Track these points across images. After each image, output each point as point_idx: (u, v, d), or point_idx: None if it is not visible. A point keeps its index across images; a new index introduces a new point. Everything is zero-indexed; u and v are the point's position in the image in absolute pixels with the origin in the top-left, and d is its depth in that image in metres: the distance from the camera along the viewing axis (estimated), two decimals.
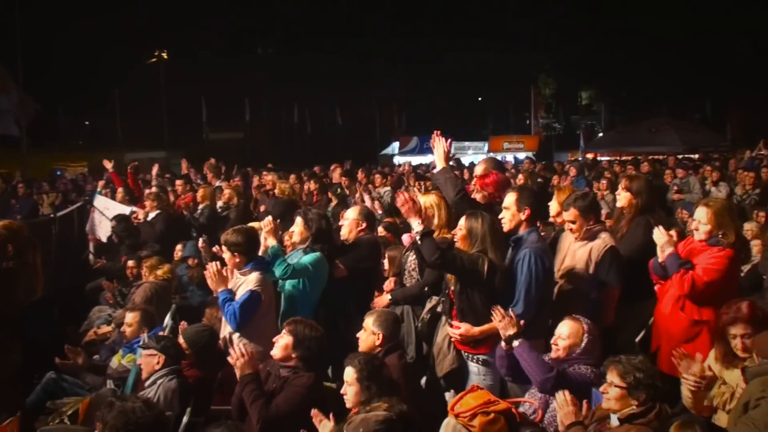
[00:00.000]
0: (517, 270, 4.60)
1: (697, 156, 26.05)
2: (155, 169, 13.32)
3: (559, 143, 41.65)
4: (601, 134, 39.07)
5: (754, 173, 12.71)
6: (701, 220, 4.86)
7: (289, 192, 10.18)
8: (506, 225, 4.80)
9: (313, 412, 3.95)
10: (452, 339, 4.85)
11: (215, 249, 6.22)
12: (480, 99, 54.96)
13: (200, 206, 10.02)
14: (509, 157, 37.93)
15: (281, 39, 51.07)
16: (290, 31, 50.15)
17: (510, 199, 4.85)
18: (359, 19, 50.97)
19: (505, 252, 4.74)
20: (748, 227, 8.81)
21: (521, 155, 38.01)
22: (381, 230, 7.83)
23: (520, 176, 11.16)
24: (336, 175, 13.43)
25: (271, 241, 5.57)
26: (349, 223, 5.89)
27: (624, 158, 31.15)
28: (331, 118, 42.90)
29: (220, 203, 10.31)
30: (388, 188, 12.03)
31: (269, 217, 5.80)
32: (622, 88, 52.20)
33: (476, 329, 4.64)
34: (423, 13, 51.43)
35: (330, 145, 36.43)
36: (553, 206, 5.78)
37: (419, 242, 4.58)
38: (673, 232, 5.03)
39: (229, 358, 4.44)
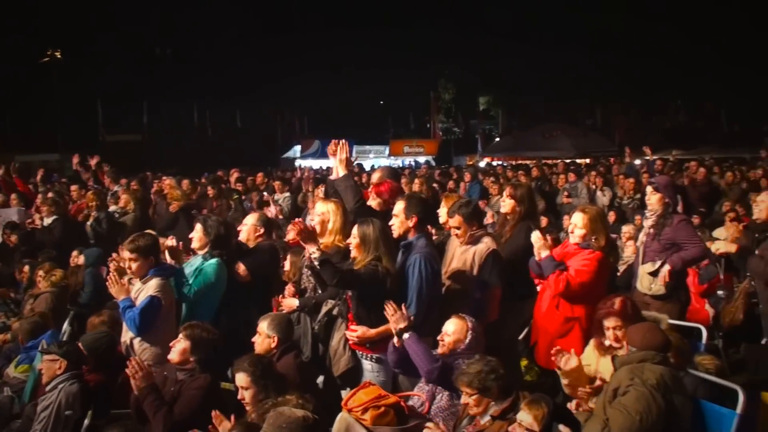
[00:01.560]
0: (408, 274, 4.88)
1: (588, 161, 27.24)
2: (40, 174, 13.06)
3: (458, 147, 42.50)
4: (498, 139, 40.18)
5: (634, 179, 13.55)
6: (577, 225, 5.27)
7: (182, 198, 10.14)
8: (396, 231, 5.08)
9: (214, 413, 4.13)
10: (348, 340, 5.10)
11: (113, 257, 6.21)
12: (382, 103, 55.55)
13: (93, 213, 9.83)
14: (409, 161, 38.62)
15: (180, 40, 50.10)
16: (189, 32, 49.24)
17: (399, 206, 5.13)
18: (260, 21, 50.73)
19: (396, 256, 5.01)
20: (626, 229, 9.47)
21: (422, 159, 38.75)
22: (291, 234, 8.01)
23: (416, 181, 11.50)
24: (233, 179, 13.51)
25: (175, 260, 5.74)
26: (247, 229, 6.05)
27: (520, 162, 32.28)
28: (231, 120, 42.49)
29: (114, 208, 10.24)
30: (288, 194, 12.13)
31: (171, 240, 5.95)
32: (519, 95, 53.71)
33: (372, 331, 4.89)
34: (325, 17, 51.68)
35: (231, 148, 36.00)
36: (442, 213, 6.13)
37: (318, 268, 4.77)
38: (548, 237, 5.43)
39: (127, 370, 4.54)
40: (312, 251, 4.74)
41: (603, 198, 13.52)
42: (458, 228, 5.36)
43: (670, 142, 38.64)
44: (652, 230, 6.10)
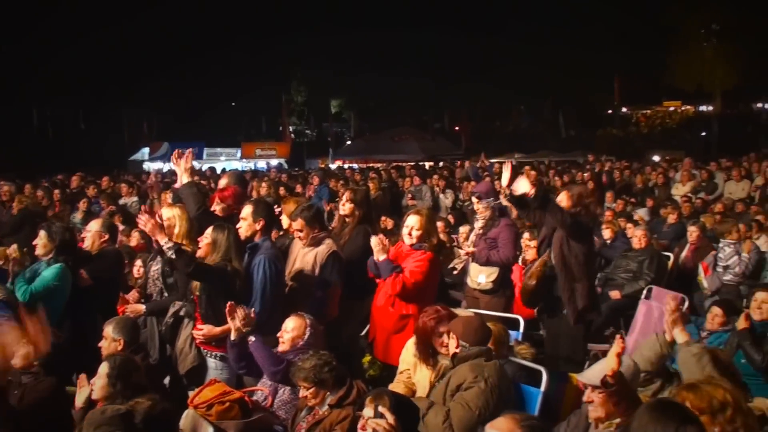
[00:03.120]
0: (254, 274, 5.12)
1: (429, 164, 28.32)
2: None
3: (311, 150, 42.81)
4: (349, 142, 40.80)
5: (475, 182, 14.33)
6: (414, 227, 5.59)
7: (28, 203, 9.85)
8: (243, 233, 5.33)
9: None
10: (195, 339, 5.28)
11: None
12: (233, 104, 54.85)
13: None
14: (261, 164, 38.48)
15: (18, 35, 47.36)
16: (29, 28, 46.63)
17: (247, 210, 5.39)
18: (106, 19, 48.72)
19: (243, 258, 5.26)
20: (463, 230, 10.08)
21: (274, 161, 38.72)
22: (135, 238, 8.03)
23: (264, 184, 11.70)
24: (75, 183, 13.19)
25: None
26: (92, 235, 6.06)
27: (371, 165, 32.99)
28: (74, 122, 40.72)
29: None
30: (135, 198, 12.00)
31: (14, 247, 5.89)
32: (369, 99, 54.63)
33: (218, 329, 5.09)
34: (177, 18, 50.30)
35: (74, 150, 34.52)
36: (284, 218, 6.42)
37: (173, 257, 4.94)
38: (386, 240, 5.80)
39: None
40: (164, 242, 4.91)
41: (446, 200, 14.25)
42: (300, 230, 5.65)
43: (512, 146, 40.76)
44: (481, 231, 6.67)
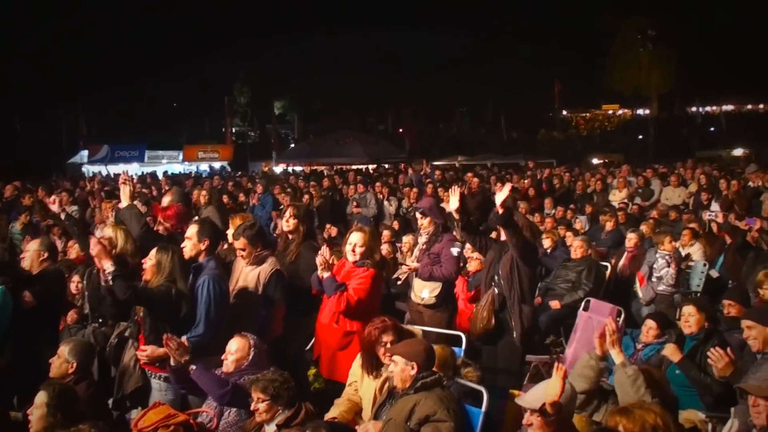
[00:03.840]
0: (198, 294, 5.12)
1: (373, 167, 28.45)
2: None
3: (254, 152, 42.41)
4: (293, 145, 40.56)
5: (417, 189, 14.54)
6: (357, 243, 5.70)
7: None
8: (188, 253, 5.33)
9: None
10: (138, 360, 5.26)
11: None
12: (175, 105, 54.14)
13: None
14: (204, 166, 38.06)
15: None
16: None
17: (192, 230, 5.39)
18: (42, 18, 47.58)
19: (188, 279, 5.25)
20: (406, 240, 10.18)
21: (217, 164, 38.34)
22: (75, 250, 7.89)
23: (204, 192, 11.67)
24: (8, 193, 12.90)
25: None
26: (30, 255, 5.95)
27: (315, 168, 32.96)
28: (9, 123, 39.66)
29: None
30: (75, 208, 11.77)
31: None
32: (314, 100, 54.60)
33: (161, 350, 5.04)
34: (116, 17, 49.39)
35: (8, 154, 33.58)
36: (230, 233, 6.44)
37: (110, 283, 4.90)
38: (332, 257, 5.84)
39: None
40: (106, 266, 4.87)
41: (390, 207, 14.36)
42: (243, 249, 5.67)
43: (456, 148, 41.20)
44: (424, 246, 6.79)
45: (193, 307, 5.14)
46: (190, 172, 34.73)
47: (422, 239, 6.93)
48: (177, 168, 36.55)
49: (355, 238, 5.74)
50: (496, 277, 6.10)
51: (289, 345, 6.08)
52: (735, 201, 12.62)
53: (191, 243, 5.34)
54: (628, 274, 9.22)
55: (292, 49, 52.51)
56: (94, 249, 4.90)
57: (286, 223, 6.41)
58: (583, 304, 7.25)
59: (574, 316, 7.80)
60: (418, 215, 7.03)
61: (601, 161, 24.75)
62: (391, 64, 50.28)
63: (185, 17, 51.04)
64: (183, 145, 39.42)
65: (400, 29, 51.09)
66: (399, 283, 8.58)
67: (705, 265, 9.05)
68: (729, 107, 55.30)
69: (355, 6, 54.80)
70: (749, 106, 55.71)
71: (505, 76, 48.62)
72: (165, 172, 34.06)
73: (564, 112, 56.82)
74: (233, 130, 50.90)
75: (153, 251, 5.16)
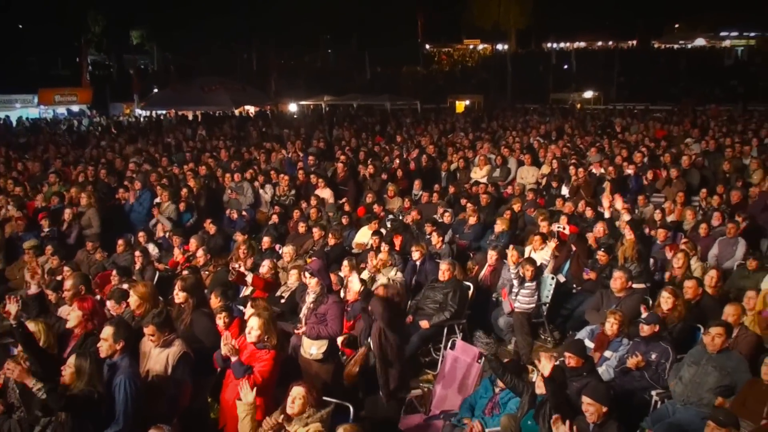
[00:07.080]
0: (116, 393, 5.63)
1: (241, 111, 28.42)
2: None
3: (114, 93, 40.50)
4: (156, 90, 39.17)
5: (289, 176, 15.14)
6: (253, 327, 6.23)
7: None
8: (103, 353, 5.81)
9: None
10: None
11: None
12: (21, 27, 50.52)
13: None
14: (61, 110, 36.57)
15: None
16: None
17: (108, 331, 5.85)
18: None
19: (103, 378, 5.70)
20: (288, 250, 10.84)
21: (75, 108, 36.90)
22: None
23: (83, 195, 11.61)
24: None
25: None
26: None
27: (183, 114, 32.44)
28: None
29: None
30: None
31: None
32: (174, 29, 52.61)
33: None
34: None
35: None
36: (132, 301, 7.02)
37: (44, 398, 5.32)
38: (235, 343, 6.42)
39: None
40: (32, 385, 5.30)
41: (265, 195, 14.86)
42: (152, 335, 6.21)
43: (322, 87, 41.50)
44: (312, 305, 7.56)
45: (110, 402, 5.69)
46: (44, 118, 33.47)
47: (309, 298, 7.69)
48: (32, 112, 34.90)
49: (253, 323, 6.26)
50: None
51: (194, 403, 6.76)
52: (582, 188, 14.16)
53: (107, 344, 5.81)
54: (489, 285, 10.37)
55: None
56: (14, 372, 5.31)
57: (177, 295, 7.15)
58: (449, 343, 8.18)
59: (442, 334, 8.97)
60: (306, 275, 7.74)
61: (465, 134, 24.55)
62: None
63: None
64: (38, 89, 37.21)
65: None
66: (282, 301, 9.27)
67: (553, 278, 10.27)
68: (581, 44, 58.17)
69: None
70: (599, 43, 58.85)
71: (368, 6, 48.85)
72: (19, 117, 32.68)
73: (427, 46, 57.99)
74: (89, 59, 48.79)
75: (71, 358, 5.62)
